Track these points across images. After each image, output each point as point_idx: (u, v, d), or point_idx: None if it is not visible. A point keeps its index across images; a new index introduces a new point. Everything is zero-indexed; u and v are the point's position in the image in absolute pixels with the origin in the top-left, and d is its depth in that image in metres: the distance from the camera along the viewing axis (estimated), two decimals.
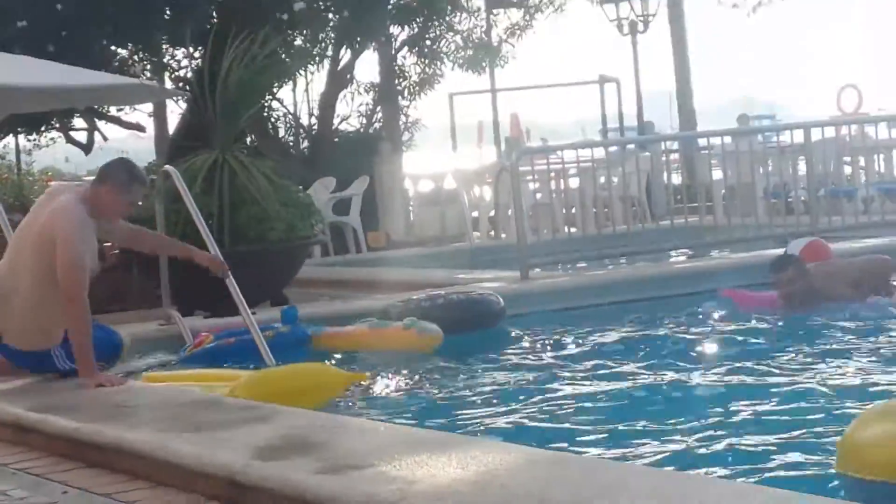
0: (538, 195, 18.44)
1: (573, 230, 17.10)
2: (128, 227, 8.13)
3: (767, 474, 5.65)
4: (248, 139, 19.04)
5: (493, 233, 19.49)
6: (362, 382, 8.54)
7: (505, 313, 10.65)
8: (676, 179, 21.10)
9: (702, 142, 18.86)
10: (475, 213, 19.74)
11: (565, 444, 6.59)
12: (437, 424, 7.12)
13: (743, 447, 6.32)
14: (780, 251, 11.97)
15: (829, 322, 10.16)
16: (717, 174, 19.07)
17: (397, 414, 7.70)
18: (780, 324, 10.41)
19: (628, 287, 12.04)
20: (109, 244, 14.29)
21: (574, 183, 18.99)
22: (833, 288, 10.80)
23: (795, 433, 6.43)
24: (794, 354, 8.92)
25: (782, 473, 5.68)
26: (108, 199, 7.61)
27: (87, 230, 7.48)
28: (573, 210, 18.65)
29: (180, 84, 19.82)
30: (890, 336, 9.57)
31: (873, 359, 8.66)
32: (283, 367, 8.48)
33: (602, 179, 18.25)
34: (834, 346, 9.24)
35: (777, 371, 8.31)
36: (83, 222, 7.48)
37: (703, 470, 5.82)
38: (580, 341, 10.22)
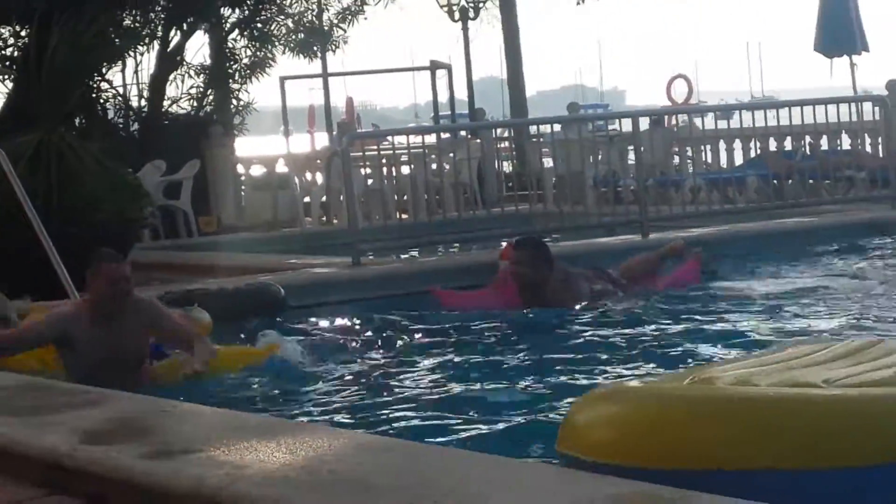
0: (370, 181, 18.43)
1: (405, 216, 17.14)
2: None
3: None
4: (77, 120, 18.70)
5: (324, 218, 19.44)
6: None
7: (286, 303, 10.54)
8: (508, 167, 21.28)
9: (532, 130, 19.04)
10: (307, 198, 19.67)
11: (391, 430, 6.64)
12: (264, 411, 7.12)
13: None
14: None
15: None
16: (549, 162, 19.29)
17: (226, 402, 7.65)
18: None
19: (460, 274, 12.10)
20: None
21: (406, 169, 19.04)
22: (564, 295, 10.82)
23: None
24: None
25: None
26: (94, 286, 8.18)
27: (57, 321, 8.27)
28: (405, 196, 18.69)
29: (6, 63, 19.40)
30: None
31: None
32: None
33: (434, 166, 18.31)
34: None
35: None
36: (54, 316, 8.39)
37: None
38: (410, 328, 10.26)
